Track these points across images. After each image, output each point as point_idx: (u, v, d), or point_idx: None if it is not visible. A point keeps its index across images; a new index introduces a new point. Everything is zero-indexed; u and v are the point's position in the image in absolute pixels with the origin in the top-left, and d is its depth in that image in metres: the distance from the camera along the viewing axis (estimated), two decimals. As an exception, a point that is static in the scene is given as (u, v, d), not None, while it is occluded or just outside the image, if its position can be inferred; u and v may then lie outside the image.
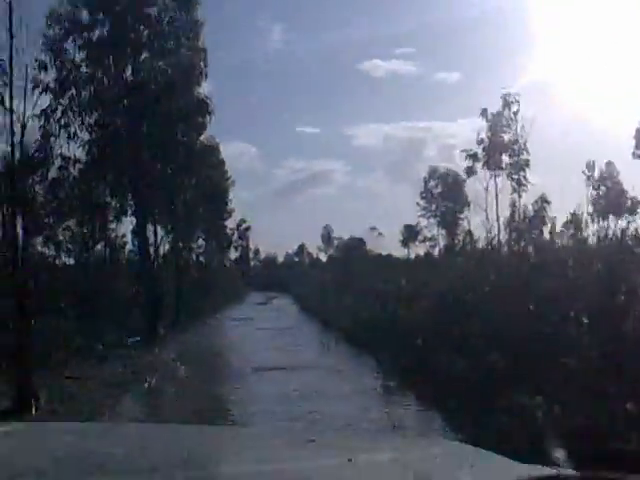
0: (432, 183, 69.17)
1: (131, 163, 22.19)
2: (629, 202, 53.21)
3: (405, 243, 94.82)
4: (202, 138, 28.90)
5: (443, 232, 68.62)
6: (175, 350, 19.94)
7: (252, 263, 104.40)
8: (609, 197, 57.42)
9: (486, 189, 23.10)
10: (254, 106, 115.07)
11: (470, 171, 23.72)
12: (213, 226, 39.79)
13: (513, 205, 24.27)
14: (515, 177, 22.72)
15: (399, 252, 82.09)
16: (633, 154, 50.81)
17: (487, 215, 23.47)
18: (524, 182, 22.86)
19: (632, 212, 50.23)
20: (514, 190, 22.93)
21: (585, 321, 8.70)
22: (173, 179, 25.29)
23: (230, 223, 54.27)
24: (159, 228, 27.55)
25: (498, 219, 23.96)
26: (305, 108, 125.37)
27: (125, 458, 1.78)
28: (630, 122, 52.38)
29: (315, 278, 55.21)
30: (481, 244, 38.03)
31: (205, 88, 26.41)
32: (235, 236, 66.90)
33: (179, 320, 28.61)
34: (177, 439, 2.19)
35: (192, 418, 10.43)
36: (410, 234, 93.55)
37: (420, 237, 75.08)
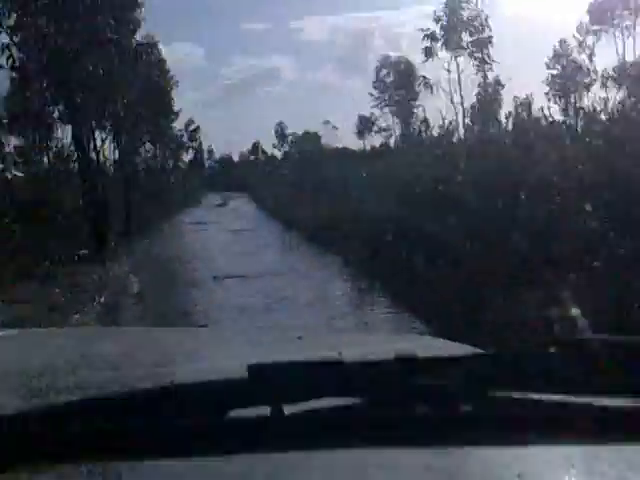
0: (384, 72, 67.00)
1: (58, 66, 20.23)
2: (588, 78, 52.20)
3: (361, 135, 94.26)
4: (138, 37, 27.23)
5: (398, 121, 66.92)
6: (126, 261, 18.63)
7: (207, 164, 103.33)
8: (565, 75, 56.31)
9: (448, 70, 21.50)
10: (197, 5, 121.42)
11: (429, 52, 21.94)
12: (158, 128, 37.57)
13: (480, 86, 22.70)
14: (478, 56, 21.07)
15: (355, 144, 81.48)
16: (586, 30, 49.27)
17: (452, 99, 22.01)
18: (488, 61, 21.24)
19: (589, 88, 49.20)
20: (478, 69, 21.34)
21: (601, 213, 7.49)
22: (108, 80, 23.35)
23: (178, 125, 52.47)
24: (98, 133, 25.75)
25: (462, 102, 22.53)
26: (249, 3, 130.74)
27: (124, 357, 1.79)
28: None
29: (272, 175, 53.66)
30: (437, 131, 37.23)
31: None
32: (185, 137, 64.25)
33: (130, 229, 27.11)
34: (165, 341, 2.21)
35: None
36: (365, 125, 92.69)
37: (375, 128, 73.42)
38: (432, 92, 22.05)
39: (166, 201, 38.36)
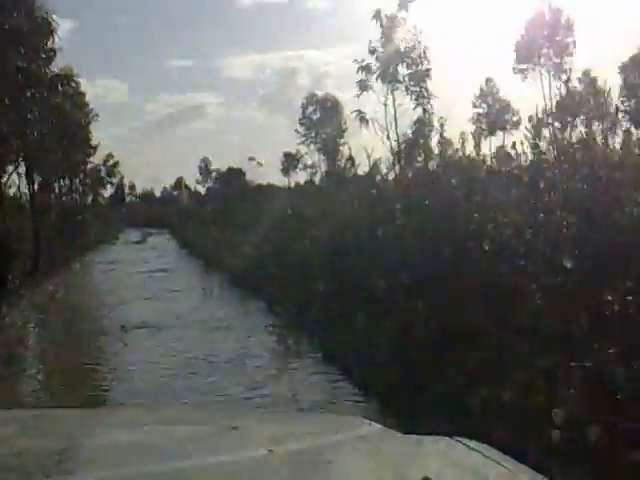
0: (310, 109, 66.27)
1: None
2: (513, 117, 52.44)
3: (286, 171, 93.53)
4: (55, 69, 25.59)
5: (324, 158, 66.02)
6: (26, 307, 16.67)
7: (128, 199, 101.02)
8: (492, 113, 56.53)
9: (384, 104, 20.38)
10: (121, 41, 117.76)
11: (363, 85, 20.78)
12: (72, 162, 35.40)
13: (417, 121, 21.67)
14: (415, 89, 20.06)
15: (280, 181, 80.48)
16: (513, 69, 49.36)
17: (388, 134, 20.84)
18: (426, 95, 20.22)
19: (516, 126, 49.29)
20: (417, 104, 20.31)
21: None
22: (16, 111, 21.53)
23: (97, 159, 50.27)
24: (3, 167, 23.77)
25: (398, 138, 21.42)
26: (174, 41, 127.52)
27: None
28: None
29: (194, 212, 51.74)
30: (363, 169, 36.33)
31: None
32: (103, 172, 61.62)
33: (38, 269, 24.99)
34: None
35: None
36: (290, 162, 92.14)
37: (300, 165, 72.40)
38: (367, 126, 20.69)
39: (81, 238, 36.15)
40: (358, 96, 20.97)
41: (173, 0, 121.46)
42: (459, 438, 1.79)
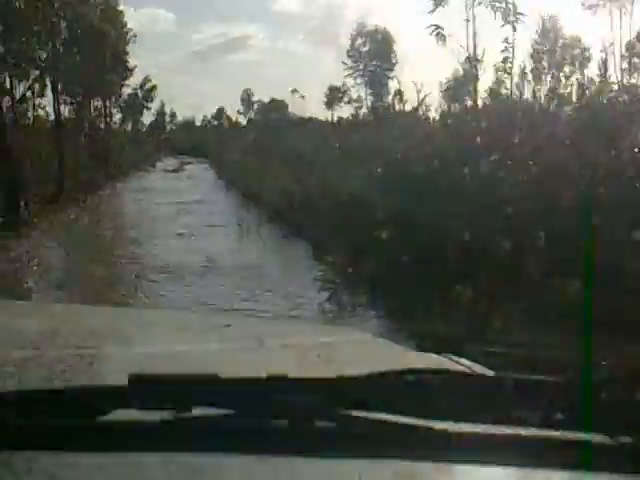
0: (359, 41, 62.54)
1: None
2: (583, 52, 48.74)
3: (330, 105, 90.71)
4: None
5: (370, 92, 62.57)
6: (35, 239, 14.56)
7: (168, 127, 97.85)
8: (555, 50, 52.65)
9: (466, 20, 17.31)
10: None
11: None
12: (106, 82, 32.80)
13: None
14: (501, 6, 16.95)
15: (323, 114, 77.87)
16: (582, 4, 45.45)
17: (472, 56, 18.00)
18: (512, 15, 17.10)
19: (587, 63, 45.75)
20: (507, 22, 17.18)
21: None
22: (38, 14, 19.08)
23: (133, 83, 47.26)
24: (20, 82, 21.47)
25: (475, 65, 18.57)
26: None
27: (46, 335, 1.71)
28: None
29: (235, 142, 49.19)
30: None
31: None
32: (139, 96, 58.41)
33: (62, 194, 22.88)
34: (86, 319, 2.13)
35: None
36: (335, 96, 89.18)
37: (345, 99, 69.02)
38: (444, 43, 17.72)
39: (114, 164, 33.88)
40: (432, 12, 17.98)
41: None
42: (453, 356, 1.80)
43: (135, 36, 36.42)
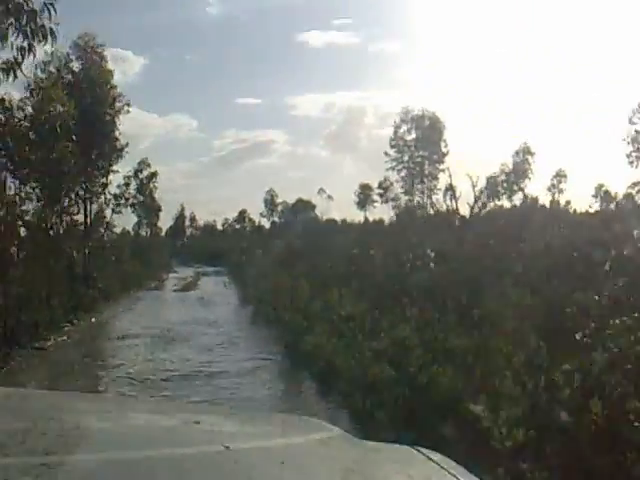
0: (404, 128, 54.63)
1: None
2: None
3: (362, 205, 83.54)
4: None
5: (418, 187, 54.44)
6: None
7: (188, 231, 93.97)
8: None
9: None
10: (192, 78, 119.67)
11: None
12: (91, 174, 23.98)
13: None
14: None
15: (352, 216, 72.35)
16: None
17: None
18: None
19: None
20: None
21: None
22: None
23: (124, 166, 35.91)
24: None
25: None
26: (245, 79, 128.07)
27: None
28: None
29: (262, 248, 40.78)
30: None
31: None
32: (132, 186, 35.60)
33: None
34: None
35: None
36: (366, 195, 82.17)
37: (390, 194, 60.92)
38: None
39: (93, 287, 24.89)
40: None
41: (244, 39, 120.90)
42: (420, 448, 1.84)
43: (129, 105, 26.77)
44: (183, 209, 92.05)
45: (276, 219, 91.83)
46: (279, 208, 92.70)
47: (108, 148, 24.50)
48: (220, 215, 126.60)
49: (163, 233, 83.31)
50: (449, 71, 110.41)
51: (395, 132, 54.97)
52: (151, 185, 31.74)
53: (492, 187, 53.48)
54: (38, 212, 17.86)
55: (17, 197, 17.21)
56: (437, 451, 1.80)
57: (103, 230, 28.78)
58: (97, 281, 23.49)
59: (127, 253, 35.14)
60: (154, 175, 32.23)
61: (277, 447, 1.75)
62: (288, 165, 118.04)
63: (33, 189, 17.13)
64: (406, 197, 63.37)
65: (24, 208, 17.96)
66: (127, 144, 26.48)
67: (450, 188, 53.62)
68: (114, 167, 26.20)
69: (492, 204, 51.46)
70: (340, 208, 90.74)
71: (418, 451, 1.81)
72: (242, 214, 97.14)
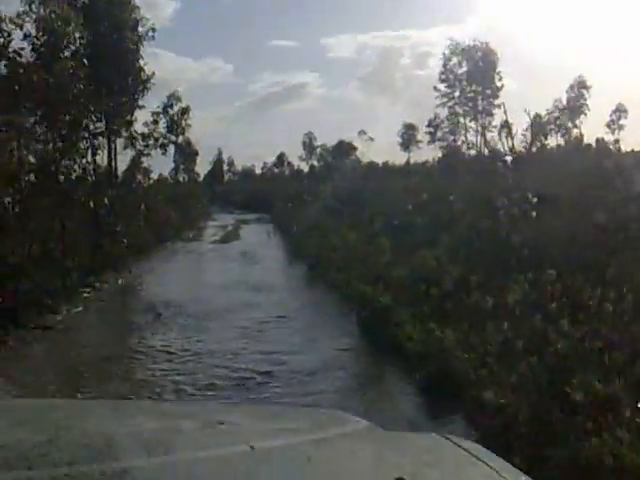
0: (454, 61, 50.27)
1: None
2: None
3: (405, 146, 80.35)
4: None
5: (471, 124, 50.27)
6: None
7: (226, 177, 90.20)
8: None
9: None
10: (226, 22, 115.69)
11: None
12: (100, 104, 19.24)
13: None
14: None
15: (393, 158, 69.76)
16: None
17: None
18: None
19: None
20: None
21: None
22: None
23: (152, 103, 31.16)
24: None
25: None
26: (278, 22, 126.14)
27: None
28: None
29: (307, 193, 37.23)
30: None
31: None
32: (162, 123, 30.87)
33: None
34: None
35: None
36: (410, 135, 78.73)
37: (440, 134, 56.80)
38: None
39: (115, 241, 21.67)
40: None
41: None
42: (448, 435, 1.83)
43: (154, 30, 23.22)
44: (221, 153, 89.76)
45: (315, 162, 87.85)
46: (318, 150, 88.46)
47: (131, 80, 20.93)
48: (257, 159, 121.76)
49: (201, 179, 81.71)
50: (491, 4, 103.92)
51: (444, 65, 50.71)
52: (183, 123, 26.62)
53: (541, 125, 49.43)
54: (40, 152, 14.57)
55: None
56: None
57: (140, 177, 25.93)
58: (122, 234, 20.09)
59: (161, 201, 31.90)
60: (186, 111, 27.03)
61: (303, 443, 1.71)
62: (323, 108, 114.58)
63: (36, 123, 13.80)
64: (452, 137, 59.72)
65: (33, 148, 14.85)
66: (153, 74, 22.91)
67: (506, 125, 49.70)
68: (140, 103, 22.63)
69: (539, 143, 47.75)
70: (377, 151, 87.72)
71: (447, 439, 1.79)
72: (281, 157, 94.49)
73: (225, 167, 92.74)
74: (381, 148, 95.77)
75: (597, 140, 52.41)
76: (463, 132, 50.46)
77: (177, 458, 1.54)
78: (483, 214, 14.17)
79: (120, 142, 23.43)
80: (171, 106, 25.04)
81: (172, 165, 79.08)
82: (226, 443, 1.69)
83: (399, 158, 70.87)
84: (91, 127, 18.76)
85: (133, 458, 1.52)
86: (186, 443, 1.71)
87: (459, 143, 59.00)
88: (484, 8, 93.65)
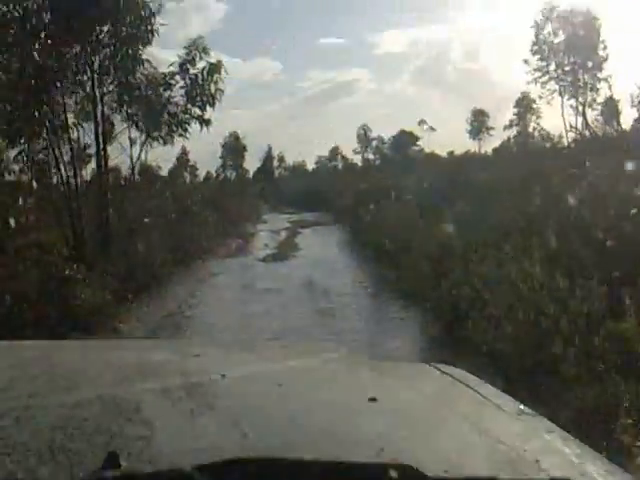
0: (548, 29, 41.65)
1: None
2: None
3: (475, 134, 74.17)
4: None
5: (572, 102, 41.63)
6: None
7: (277, 172, 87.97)
8: None
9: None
10: (275, 21, 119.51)
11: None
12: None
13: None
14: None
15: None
16: None
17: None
18: None
19: None
20: None
21: None
22: None
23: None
24: None
25: None
26: (327, 20, 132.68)
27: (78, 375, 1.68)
28: None
29: (375, 187, 29.55)
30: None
31: None
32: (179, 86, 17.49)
33: None
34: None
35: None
36: (481, 122, 72.39)
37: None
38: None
39: (149, 252, 14.96)
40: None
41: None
42: (437, 364, 1.81)
43: None
44: (270, 149, 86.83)
45: (371, 156, 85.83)
46: (373, 143, 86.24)
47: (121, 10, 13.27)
48: (308, 155, 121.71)
49: (250, 175, 76.94)
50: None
51: (536, 35, 42.13)
52: (212, 87, 15.02)
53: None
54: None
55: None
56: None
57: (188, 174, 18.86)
58: (110, 264, 12.60)
59: (196, 202, 24.68)
60: (216, 69, 15.16)
61: (275, 371, 1.70)
62: (374, 103, 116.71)
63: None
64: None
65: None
66: (160, 5, 15.29)
67: (610, 101, 41.42)
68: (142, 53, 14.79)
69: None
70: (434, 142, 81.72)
71: (434, 367, 1.77)
72: (334, 151, 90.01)
73: (275, 163, 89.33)
74: (438, 139, 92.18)
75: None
76: (560, 112, 41.84)
77: (144, 386, 1.49)
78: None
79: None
80: (193, 60, 14.57)
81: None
82: (198, 372, 1.67)
83: (459, 148, 65.73)
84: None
85: (97, 388, 1.48)
86: (157, 373, 1.66)
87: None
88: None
